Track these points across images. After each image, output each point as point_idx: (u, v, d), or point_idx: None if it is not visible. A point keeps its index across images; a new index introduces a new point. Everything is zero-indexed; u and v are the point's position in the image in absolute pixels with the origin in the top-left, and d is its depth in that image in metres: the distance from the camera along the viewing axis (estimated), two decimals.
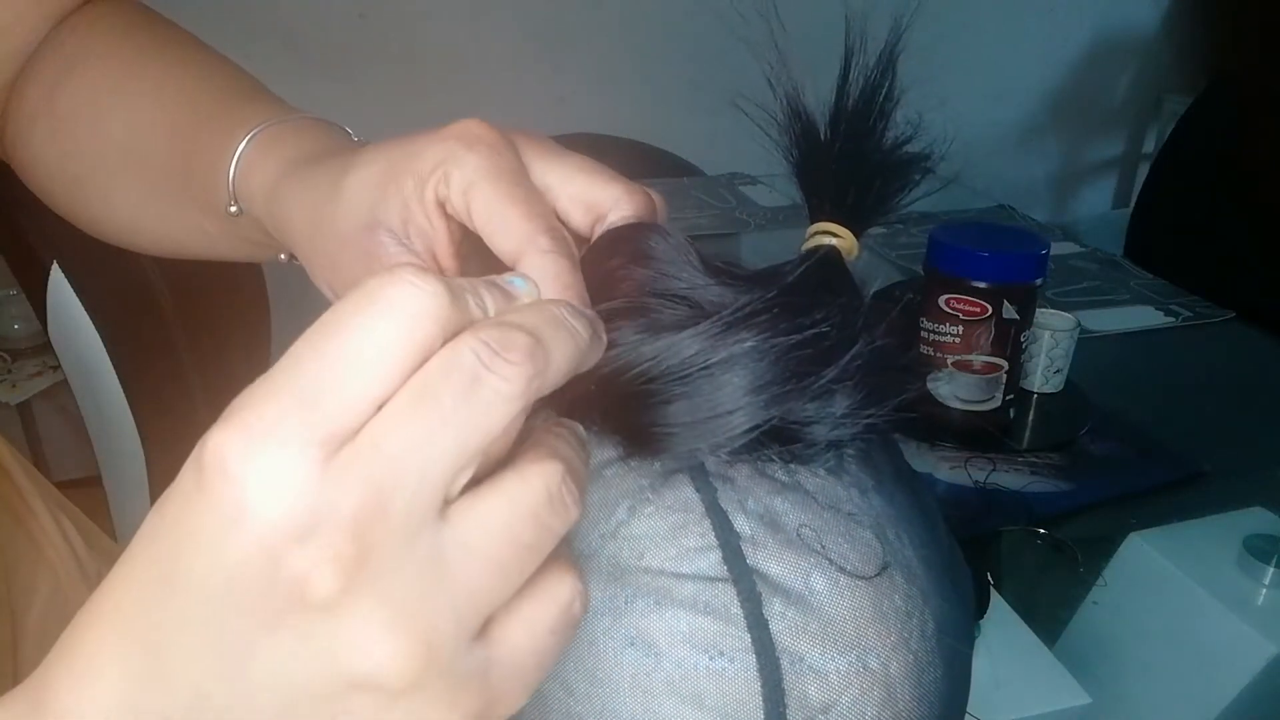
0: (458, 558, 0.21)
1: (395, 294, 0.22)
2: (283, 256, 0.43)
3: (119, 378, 1.13)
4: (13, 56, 0.50)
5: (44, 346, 1.32)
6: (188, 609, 0.21)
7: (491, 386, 0.22)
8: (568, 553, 0.25)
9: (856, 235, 0.34)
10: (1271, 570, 0.58)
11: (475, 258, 0.36)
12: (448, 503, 0.22)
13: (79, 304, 1.10)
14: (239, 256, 0.46)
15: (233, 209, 0.40)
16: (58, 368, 1.23)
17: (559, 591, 0.24)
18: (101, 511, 1.17)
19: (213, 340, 1.39)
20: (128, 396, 1.14)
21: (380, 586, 0.21)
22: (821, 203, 0.34)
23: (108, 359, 1.12)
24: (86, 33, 0.49)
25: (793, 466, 0.30)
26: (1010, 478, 0.84)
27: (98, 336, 1.11)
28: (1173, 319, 1.16)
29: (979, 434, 0.86)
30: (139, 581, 0.22)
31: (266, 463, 0.20)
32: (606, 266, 0.33)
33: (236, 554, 0.20)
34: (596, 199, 0.34)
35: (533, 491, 0.23)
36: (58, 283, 1.09)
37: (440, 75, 1.97)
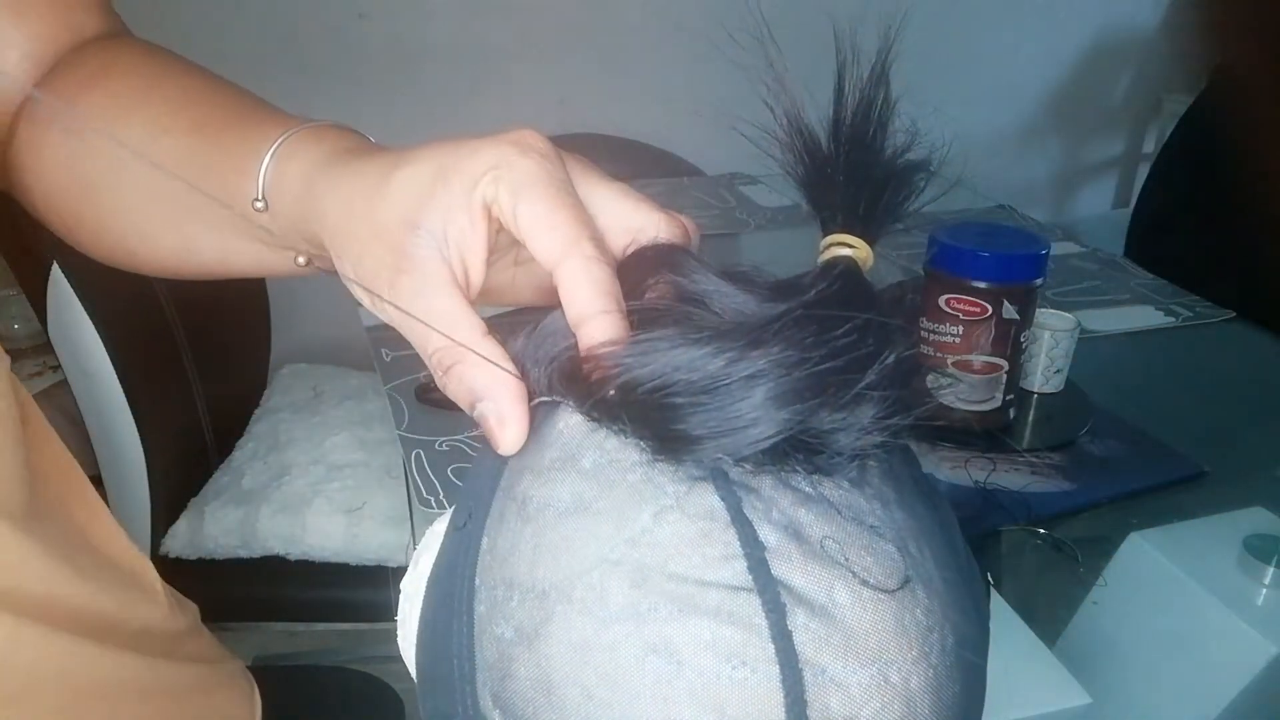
0: None
1: None
2: (299, 260, 0.43)
3: (119, 378, 1.13)
4: (37, 62, 0.50)
5: (44, 346, 1.31)
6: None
7: None
8: None
9: (871, 244, 0.34)
10: (1271, 570, 0.58)
11: (499, 266, 0.38)
12: None
13: (79, 304, 1.10)
14: (248, 259, 0.46)
15: (258, 204, 0.41)
16: (58, 368, 1.23)
17: None
18: None
19: (212, 340, 1.39)
20: (128, 396, 1.14)
21: None
22: (833, 215, 0.34)
23: (108, 359, 1.12)
24: (110, 53, 0.50)
25: (816, 478, 0.30)
26: (1010, 478, 0.84)
27: (98, 336, 1.11)
28: (1173, 319, 1.16)
29: (979, 434, 0.87)
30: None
31: None
32: (637, 275, 0.34)
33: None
34: (637, 224, 0.36)
35: None
36: (58, 283, 1.09)
37: (440, 75, 1.97)
